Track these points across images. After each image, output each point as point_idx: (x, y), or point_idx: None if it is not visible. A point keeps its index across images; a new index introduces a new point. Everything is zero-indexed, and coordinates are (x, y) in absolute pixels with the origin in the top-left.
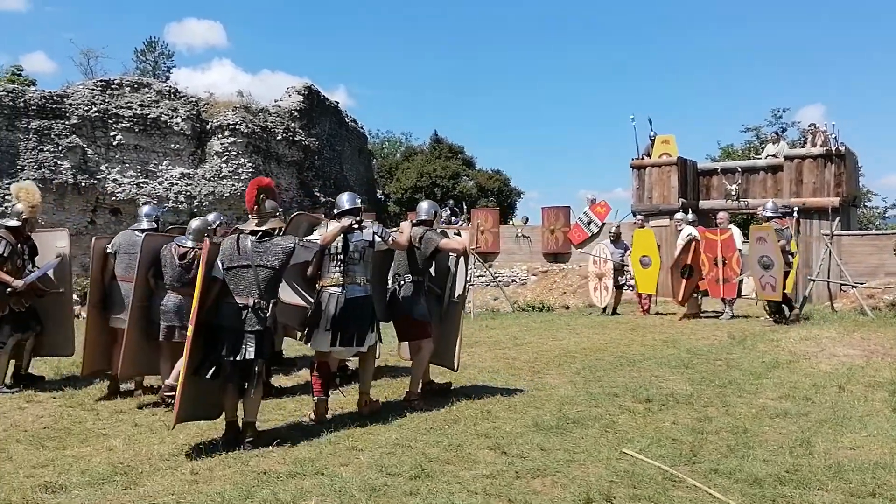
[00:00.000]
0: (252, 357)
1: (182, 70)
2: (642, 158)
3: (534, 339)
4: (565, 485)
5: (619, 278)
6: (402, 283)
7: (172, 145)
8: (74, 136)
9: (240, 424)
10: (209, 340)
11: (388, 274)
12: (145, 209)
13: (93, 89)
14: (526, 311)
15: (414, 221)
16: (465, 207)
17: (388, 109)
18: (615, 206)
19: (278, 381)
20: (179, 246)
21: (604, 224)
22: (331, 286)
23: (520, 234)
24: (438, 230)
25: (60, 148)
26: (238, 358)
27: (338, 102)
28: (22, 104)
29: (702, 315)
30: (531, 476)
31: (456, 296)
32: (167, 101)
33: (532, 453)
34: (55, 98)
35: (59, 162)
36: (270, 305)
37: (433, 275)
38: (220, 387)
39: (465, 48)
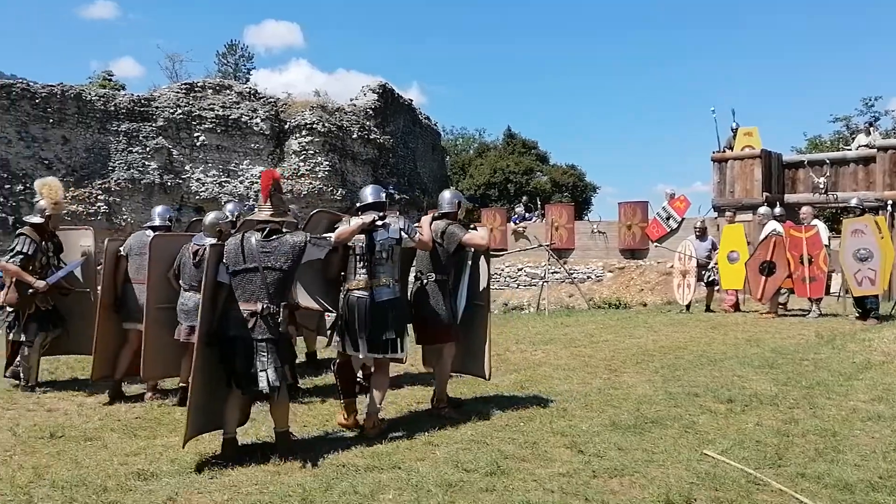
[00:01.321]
0: (265, 369)
1: (261, 71)
2: (724, 151)
3: (610, 336)
4: (644, 485)
5: (707, 275)
6: (426, 282)
7: (252, 145)
8: (161, 137)
9: (237, 440)
10: (221, 351)
11: (409, 273)
12: (158, 209)
13: (177, 92)
14: (602, 309)
15: (436, 214)
16: (538, 203)
17: (461, 106)
18: (695, 201)
19: (310, 382)
20: (195, 244)
21: (683, 219)
22: (356, 289)
23: (595, 230)
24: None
25: (148, 149)
26: (251, 371)
27: (411, 100)
28: (112, 108)
29: (788, 313)
30: (608, 476)
31: (482, 298)
32: (247, 103)
33: (609, 452)
34: (143, 101)
35: (146, 163)
36: (281, 310)
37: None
38: (224, 398)
39: (538, 42)
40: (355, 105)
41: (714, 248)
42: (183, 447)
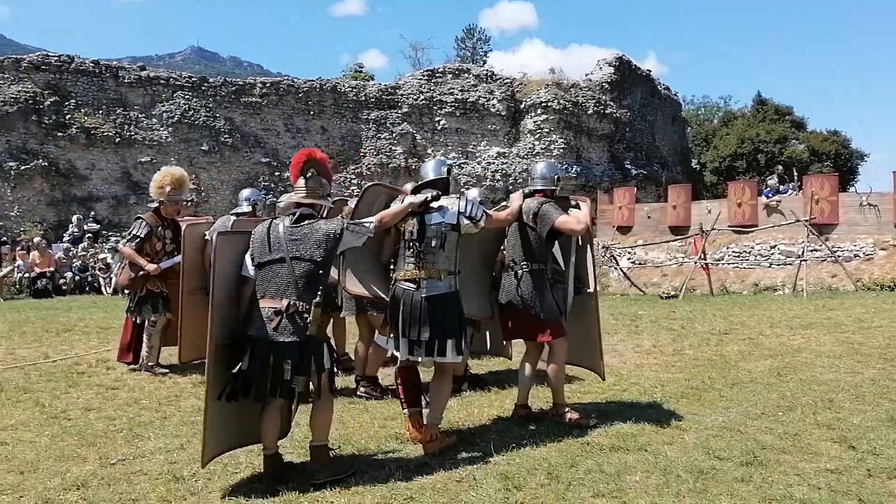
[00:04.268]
0: (289, 377)
1: (494, 53)
2: None
3: (884, 322)
4: None
5: None
6: (519, 273)
7: (489, 126)
8: (405, 123)
9: (280, 455)
10: (239, 354)
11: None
12: (245, 193)
13: (420, 79)
14: (873, 291)
15: (526, 192)
16: (795, 174)
17: (703, 73)
18: None
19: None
20: None
21: None
22: (403, 280)
23: (865, 203)
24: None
25: (394, 135)
26: (274, 377)
27: (650, 71)
28: (363, 98)
29: None
30: (887, 476)
31: (590, 285)
32: (484, 85)
33: (887, 451)
34: (389, 90)
35: (393, 148)
36: (313, 307)
37: (559, 260)
38: (260, 412)
39: None
40: (591, 80)
41: None
42: (203, 468)
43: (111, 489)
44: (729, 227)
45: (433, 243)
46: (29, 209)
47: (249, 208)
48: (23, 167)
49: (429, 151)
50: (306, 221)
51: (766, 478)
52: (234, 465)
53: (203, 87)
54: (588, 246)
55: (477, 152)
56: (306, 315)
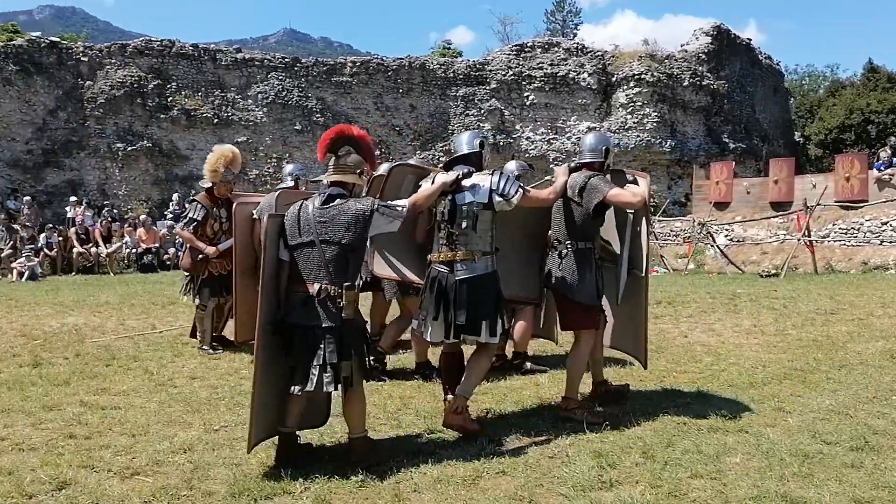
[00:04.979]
0: (319, 363)
1: (585, 26)
2: None
3: None
4: None
5: None
6: (564, 252)
7: (579, 101)
8: (493, 99)
9: (297, 437)
10: (286, 341)
11: (537, 237)
12: (288, 168)
13: (508, 54)
14: None
15: (572, 165)
16: None
17: (807, 41)
18: None
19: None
20: None
21: None
22: (437, 263)
23: None
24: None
25: (482, 111)
26: (316, 362)
27: (749, 40)
28: (451, 74)
29: None
30: None
31: (643, 268)
32: (574, 59)
33: None
34: (477, 66)
35: (481, 124)
36: (345, 291)
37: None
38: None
39: None
40: (686, 51)
41: None
42: (248, 452)
43: (215, 453)
44: (836, 202)
45: (464, 224)
46: (135, 188)
47: (292, 183)
48: (129, 148)
49: (517, 127)
50: (336, 202)
51: (878, 464)
52: (330, 433)
53: (296, 68)
54: (644, 226)
55: (566, 127)
56: (339, 299)
